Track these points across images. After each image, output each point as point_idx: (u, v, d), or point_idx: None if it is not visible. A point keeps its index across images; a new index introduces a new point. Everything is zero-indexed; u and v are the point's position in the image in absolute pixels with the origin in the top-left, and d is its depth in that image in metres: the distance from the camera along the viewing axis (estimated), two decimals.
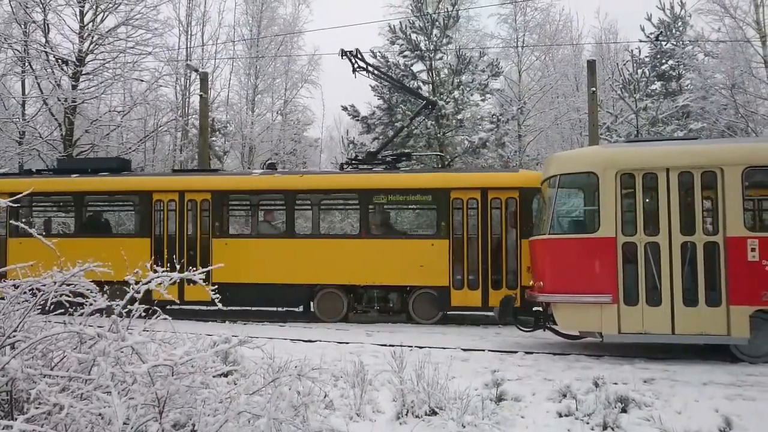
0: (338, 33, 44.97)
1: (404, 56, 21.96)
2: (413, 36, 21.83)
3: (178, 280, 4.24)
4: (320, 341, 10.19)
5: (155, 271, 4.29)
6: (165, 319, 4.67)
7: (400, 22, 22.51)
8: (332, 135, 40.72)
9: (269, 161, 16.68)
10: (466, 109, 21.96)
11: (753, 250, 8.29)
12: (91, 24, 21.63)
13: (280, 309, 14.25)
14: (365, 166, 14.05)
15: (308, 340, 10.32)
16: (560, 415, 5.73)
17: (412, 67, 21.99)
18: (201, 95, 19.89)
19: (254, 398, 4.43)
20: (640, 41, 22.20)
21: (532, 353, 9.08)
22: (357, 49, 14.87)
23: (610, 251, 8.68)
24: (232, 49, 30.82)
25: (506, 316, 10.31)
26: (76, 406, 3.61)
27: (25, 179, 14.28)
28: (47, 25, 21.01)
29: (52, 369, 4.13)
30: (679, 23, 21.99)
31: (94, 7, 21.62)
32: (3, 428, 3.48)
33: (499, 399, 6.06)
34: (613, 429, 5.32)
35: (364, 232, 12.83)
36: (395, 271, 12.42)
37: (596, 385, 6.47)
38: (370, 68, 15.65)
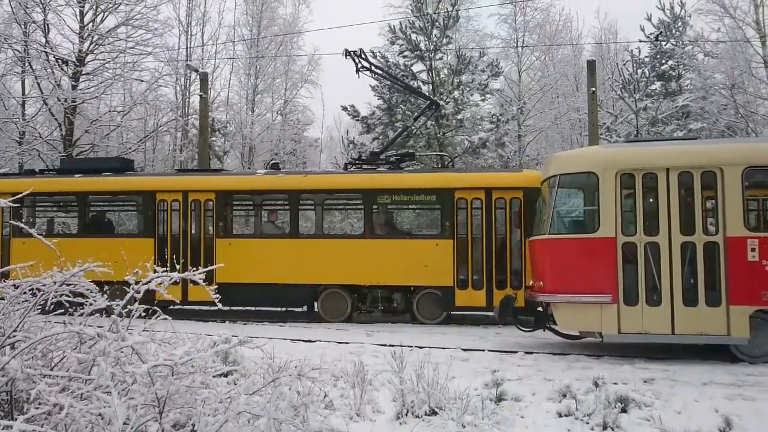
0: (338, 33, 45.11)
1: (404, 56, 21.97)
2: (413, 36, 21.84)
3: (179, 280, 4.25)
4: (320, 341, 10.19)
5: (155, 272, 4.29)
6: (165, 319, 4.67)
7: (400, 23, 22.53)
8: (332, 135, 40.78)
9: (273, 161, 16.64)
10: (466, 109, 21.98)
11: (753, 250, 8.29)
12: (91, 24, 21.63)
13: (279, 309, 14.25)
14: (369, 166, 14.02)
15: (308, 340, 10.32)
16: (560, 415, 5.73)
17: (411, 68, 22.00)
18: (201, 95, 19.90)
19: (254, 398, 4.43)
20: (640, 41, 22.23)
21: (532, 353, 9.08)
22: (361, 49, 14.87)
23: (610, 251, 8.68)
24: (232, 49, 30.88)
25: (506, 316, 10.29)
26: (76, 406, 3.61)
27: (28, 179, 14.25)
28: (47, 25, 21.02)
29: (52, 369, 4.13)
30: (679, 23, 21.99)
31: (94, 7, 21.63)
32: (3, 428, 3.48)
33: (499, 399, 6.06)
34: (613, 429, 5.32)
35: (368, 232, 12.81)
36: (399, 271, 12.39)
37: (596, 385, 6.47)
38: (373, 68, 15.65)
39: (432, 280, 12.32)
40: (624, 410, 5.68)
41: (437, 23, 21.80)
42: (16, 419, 3.50)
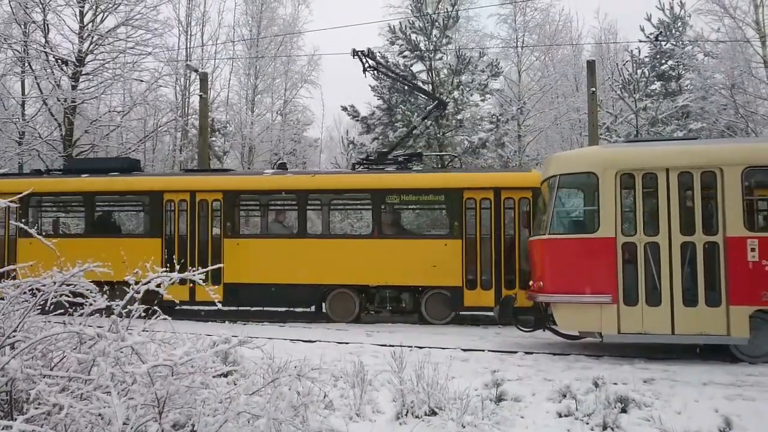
0: (338, 33, 45.11)
1: (404, 56, 21.98)
2: (413, 36, 21.86)
3: (178, 280, 4.25)
4: (320, 341, 10.18)
5: (155, 271, 4.29)
6: (165, 319, 4.67)
7: (400, 23, 22.54)
8: (332, 135, 40.76)
9: (280, 161, 16.66)
10: (465, 109, 22.00)
11: (753, 250, 8.29)
12: (90, 24, 21.64)
13: (280, 309, 14.25)
14: (377, 166, 13.98)
15: (308, 341, 10.31)
16: (560, 416, 5.72)
17: (411, 68, 22.01)
18: (201, 95, 19.90)
19: (254, 398, 4.42)
20: (640, 41, 22.25)
21: (532, 353, 9.08)
22: (369, 49, 14.88)
23: (609, 251, 8.68)
24: (232, 50, 30.89)
25: (506, 316, 10.30)
26: (76, 406, 3.61)
27: (34, 179, 14.23)
28: (47, 25, 21.03)
29: (51, 369, 4.13)
30: (679, 23, 22.01)
31: (94, 7, 21.64)
32: (2, 428, 3.48)
33: (499, 399, 6.06)
34: (612, 429, 5.32)
35: (377, 232, 12.80)
36: (408, 271, 12.37)
37: (596, 385, 6.47)
38: (380, 68, 15.64)
39: (440, 280, 12.29)
40: (624, 410, 5.68)
41: (437, 23, 21.81)
42: (15, 419, 3.49)
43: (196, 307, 12.90)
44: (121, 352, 4.02)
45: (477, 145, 21.18)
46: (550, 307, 9.34)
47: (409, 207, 14.41)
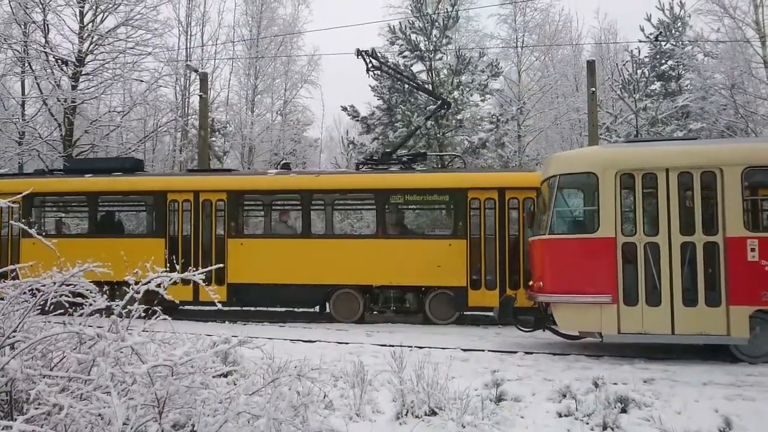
0: (338, 33, 45.18)
1: (404, 56, 21.99)
2: (413, 36, 21.87)
3: (181, 281, 4.24)
4: (320, 341, 10.18)
5: (155, 272, 4.30)
6: (165, 319, 4.68)
7: (400, 23, 22.55)
8: (332, 135, 40.77)
9: (284, 161, 16.66)
10: (465, 109, 22.00)
11: (753, 250, 8.29)
12: (90, 24, 21.61)
13: (279, 309, 14.24)
14: (381, 166, 13.96)
15: (308, 341, 10.31)
16: (560, 416, 5.72)
17: (411, 68, 22.01)
18: (201, 95, 19.90)
19: (254, 398, 4.42)
20: (640, 41, 22.25)
21: (531, 353, 9.08)
22: (373, 49, 14.88)
23: (609, 251, 8.68)
24: (232, 50, 30.86)
25: (506, 316, 10.29)
26: (76, 406, 3.61)
27: (38, 179, 14.20)
28: (47, 25, 20.99)
29: (51, 369, 4.12)
30: (679, 23, 22.01)
31: (94, 7, 21.62)
32: (2, 429, 3.48)
33: (499, 399, 6.06)
34: (612, 429, 5.32)
35: (381, 232, 12.78)
36: (412, 271, 12.35)
37: (596, 385, 6.47)
38: (384, 68, 15.64)
39: (445, 280, 12.28)
40: (624, 410, 5.68)
41: (437, 23, 21.82)
42: (15, 419, 3.49)
43: (198, 308, 12.90)
44: (121, 352, 4.02)
45: (477, 145, 21.19)
46: (550, 307, 9.34)
47: (414, 207, 14.39)
